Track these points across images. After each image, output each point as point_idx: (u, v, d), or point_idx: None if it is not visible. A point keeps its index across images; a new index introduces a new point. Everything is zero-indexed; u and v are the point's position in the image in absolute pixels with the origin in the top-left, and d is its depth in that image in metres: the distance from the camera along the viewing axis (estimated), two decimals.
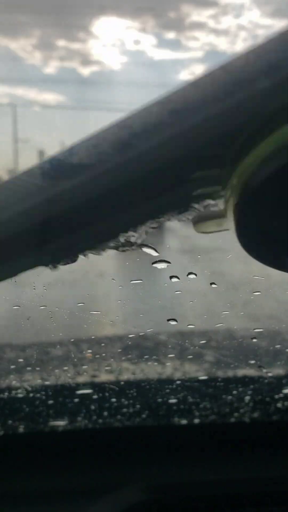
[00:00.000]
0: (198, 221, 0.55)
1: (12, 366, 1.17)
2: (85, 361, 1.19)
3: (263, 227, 0.49)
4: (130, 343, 1.37)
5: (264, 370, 1.12)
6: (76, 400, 1.02)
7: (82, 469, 0.98)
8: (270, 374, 1.10)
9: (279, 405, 1.03)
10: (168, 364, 1.08)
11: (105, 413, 1.01)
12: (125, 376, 1.05)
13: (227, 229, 0.52)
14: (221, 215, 0.52)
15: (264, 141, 0.45)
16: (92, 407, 1.02)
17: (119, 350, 1.11)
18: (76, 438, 1.02)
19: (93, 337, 1.37)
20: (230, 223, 0.51)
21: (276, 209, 0.47)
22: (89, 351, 1.27)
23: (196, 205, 0.52)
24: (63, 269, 0.52)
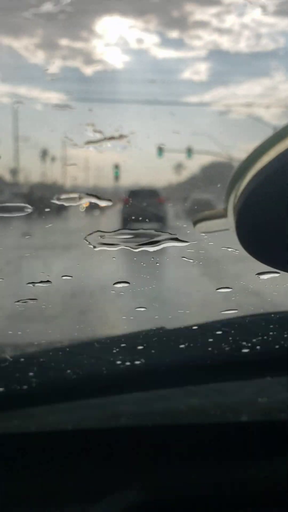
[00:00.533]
0: (199, 221, 0.56)
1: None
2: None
3: (262, 227, 0.49)
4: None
5: (266, 371, 1.12)
6: (76, 400, 1.02)
7: (82, 470, 0.98)
8: (271, 374, 1.10)
9: (279, 405, 1.02)
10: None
11: (106, 414, 1.01)
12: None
13: (227, 229, 0.52)
14: (221, 215, 0.52)
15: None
16: (93, 407, 1.01)
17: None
18: (76, 438, 1.02)
19: (93, 337, 1.37)
20: (230, 223, 0.51)
21: (275, 209, 0.47)
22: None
23: None
24: None
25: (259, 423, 1.03)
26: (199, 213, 0.55)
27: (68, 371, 1.10)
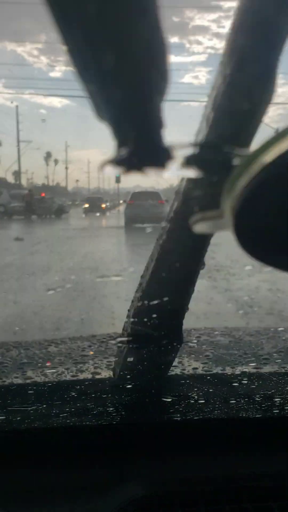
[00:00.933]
0: (196, 222, 0.56)
1: (14, 364, 1.18)
2: (86, 358, 1.20)
3: (260, 228, 0.49)
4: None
5: (263, 366, 1.13)
6: (77, 397, 1.03)
7: (82, 465, 0.99)
8: (269, 370, 1.11)
9: (278, 400, 1.03)
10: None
11: (106, 409, 1.02)
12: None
13: (225, 230, 0.53)
14: (218, 216, 0.53)
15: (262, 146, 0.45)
16: (93, 403, 1.02)
17: (120, 348, 1.12)
18: (76, 434, 1.03)
19: (94, 335, 1.38)
20: (228, 223, 0.52)
21: (273, 208, 0.47)
22: (91, 348, 1.28)
23: None
24: None
25: (258, 418, 1.04)
26: (196, 214, 0.56)
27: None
